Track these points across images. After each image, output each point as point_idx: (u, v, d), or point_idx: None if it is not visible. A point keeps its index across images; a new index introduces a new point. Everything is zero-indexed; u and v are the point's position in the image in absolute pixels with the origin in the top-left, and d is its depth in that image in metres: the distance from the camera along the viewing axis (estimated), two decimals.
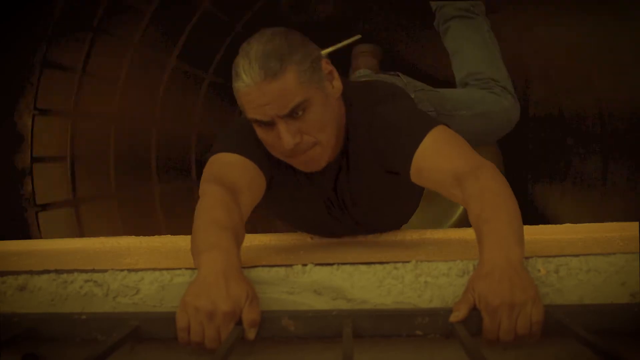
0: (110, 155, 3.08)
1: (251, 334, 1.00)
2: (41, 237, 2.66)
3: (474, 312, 1.00)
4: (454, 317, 1.00)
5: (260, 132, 1.34)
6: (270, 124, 1.29)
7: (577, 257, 1.17)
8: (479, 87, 2.18)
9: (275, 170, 1.44)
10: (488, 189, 1.18)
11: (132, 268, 1.23)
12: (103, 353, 0.89)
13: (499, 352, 1.03)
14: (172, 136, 3.35)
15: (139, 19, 2.98)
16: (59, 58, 2.72)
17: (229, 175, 1.35)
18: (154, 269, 1.23)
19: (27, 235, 2.67)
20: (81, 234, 2.85)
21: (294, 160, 1.37)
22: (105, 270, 1.22)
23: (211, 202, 1.24)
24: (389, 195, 1.55)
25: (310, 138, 1.32)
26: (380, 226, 1.65)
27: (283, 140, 1.29)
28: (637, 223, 1.31)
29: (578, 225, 1.58)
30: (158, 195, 3.29)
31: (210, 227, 1.16)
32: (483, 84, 2.18)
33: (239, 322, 1.00)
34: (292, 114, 1.28)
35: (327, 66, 1.35)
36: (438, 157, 1.30)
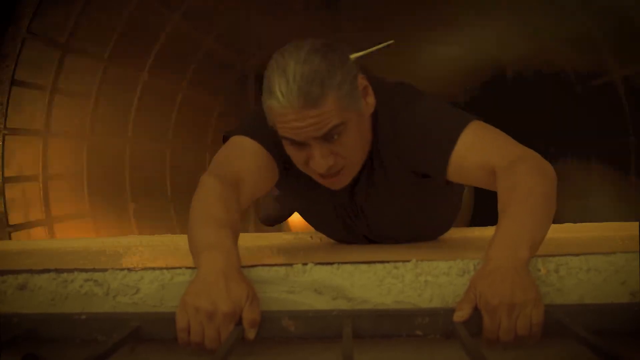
0: (84, 174, 3.02)
1: (251, 334, 1.00)
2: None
3: (475, 312, 1.00)
4: (458, 317, 0.99)
5: (289, 149, 1.30)
6: (302, 144, 1.26)
7: (577, 256, 1.17)
8: None
9: (289, 164, 1.40)
10: (520, 185, 1.15)
11: (132, 267, 1.23)
12: (103, 354, 0.89)
13: (499, 352, 1.03)
14: (146, 152, 3.31)
15: (109, 35, 2.91)
16: (28, 76, 2.68)
17: (235, 163, 1.34)
18: (154, 268, 1.22)
19: None
20: None
21: (319, 179, 1.33)
22: (105, 270, 1.22)
23: (209, 198, 1.23)
24: (412, 199, 1.49)
25: (341, 160, 1.28)
26: (399, 237, 1.60)
27: (316, 163, 1.26)
28: (637, 223, 1.30)
29: (578, 224, 1.59)
30: (132, 212, 3.25)
31: (209, 225, 1.16)
32: None
33: (239, 323, 1.00)
34: (328, 138, 1.24)
35: (362, 82, 1.30)
36: (476, 154, 1.26)
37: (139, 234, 3.17)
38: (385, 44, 1.40)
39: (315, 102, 1.19)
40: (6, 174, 2.73)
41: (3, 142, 2.71)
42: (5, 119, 2.69)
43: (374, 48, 1.36)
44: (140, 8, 3.04)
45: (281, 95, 1.20)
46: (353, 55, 1.31)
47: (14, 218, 2.76)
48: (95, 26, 2.93)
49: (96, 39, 2.99)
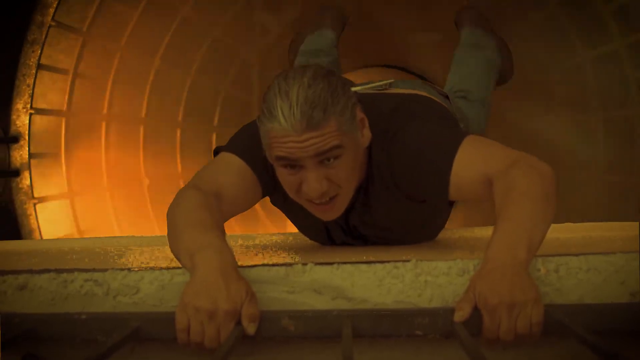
0: (102, 151, 3.28)
1: (251, 329, 1.00)
2: (39, 227, 2.91)
3: (474, 312, 1.00)
4: (458, 317, 0.99)
5: (282, 173, 1.29)
6: (295, 167, 1.26)
7: (577, 256, 1.17)
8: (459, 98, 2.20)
9: (279, 188, 1.40)
10: (515, 187, 1.15)
11: (132, 267, 1.23)
12: (103, 353, 0.89)
13: (499, 352, 1.03)
14: (157, 132, 3.59)
15: (125, 24, 3.22)
16: (53, 61, 2.97)
17: (218, 178, 1.34)
18: (154, 268, 1.23)
19: (26, 225, 2.93)
20: (76, 225, 3.08)
21: (311, 207, 1.33)
22: (105, 270, 1.22)
23: (190, 205, 1.23)
24: (408, 220, 1.51)
25: (334, 188, 1.28)
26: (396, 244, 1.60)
27: (310, 186, 1.25)
28: (637, 223, 1.31)
29: (578, 224, 1.59)
30: (146, 187, 3.52)
31: (196, 227, 1.16)
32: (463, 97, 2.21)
33: (238, 322, 1.00)
34: (324, 160, 1.24)
35: (360, 114, 1.31)
36: (473, 171, 1.27)
37: (152, 207, 3.42)
38: (385, 81, 1.42)
39: (317, 125, 1.20)
40: (32, 151, 3.00)
41: (30, 121, 2.97)
42: (32, 100, 2.95)
43: (373, 84, 1.39)
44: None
45: (283, 118, 1.19)
46: (353, 89, 1.33)
47: (39, 191, 3.03)
48: (113, 16, 3.18)
49: (113, 28, 3.24)
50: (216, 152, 1.46)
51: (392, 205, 1.43)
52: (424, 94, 1.67)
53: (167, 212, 1.26)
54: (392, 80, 1.56)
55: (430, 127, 1.41)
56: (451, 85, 2.27)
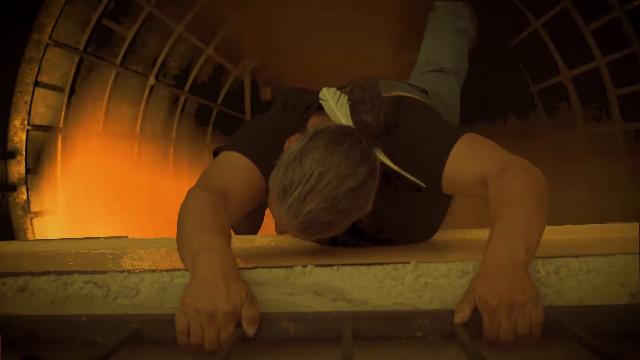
0: (97, 166, 3.43)
1: (251, 330, 1.00)
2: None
3: (474, 314, 1.00)
4: (459, 319, 1.00)
5: None
6: None
7: (577, 258, 1.17)
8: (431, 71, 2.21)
9: None
10: (510, 189, 1.16)
11: (132, 269, 1.23)
12: (103, 355, 0.89)
13: (499, 354, 1.03)
14: (151, 149, 3.69)
15: (120, 44, 3.38)
16: (50, 79, 3.10)
17: (224, 178, 1.34)
18: (154, 271, 1.23)
19: (23, 239, 3.01)
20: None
21: None
22: (105, 272, 1.22)
23: (198, 206, 1.23)
24: (407, 212, 1.51)
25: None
26: (395, 242, 1.60)
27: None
28: (637, 224, 1.31)
29: (578, 226, 1.59)
30: (141, 203, 3.63)
31: (201, 230, 1.16)
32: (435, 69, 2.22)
33: (238, 324, 1.00)
34: None
35: (368, 206, 1.28)
36: (467, 166, 1.29)
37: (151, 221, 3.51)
38: (415, 180, 1.38)
39: (311, 236, 1.24)
40: (29, 166, 3.10)
41: (27, 137, 3.08)
42: (29, 116, 3.06)
43: (402, 172, 1.36)
44: (148, 21, 3.44)
45: (285, 217, 1.21)
46: (381, 158, 1.30)
47: (35, 206, 3.14)
48: (108, 35, 3.32)
49: (109, 47, 3.37)
50: (216, 152, 1.45)
51: (394, 195, 1.43)
52: (406, 94, 1.67)
53: (178, 213, 1.27)
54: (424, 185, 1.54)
55: (431, 120, 1.43)
56: (427, 58, 2.26)
